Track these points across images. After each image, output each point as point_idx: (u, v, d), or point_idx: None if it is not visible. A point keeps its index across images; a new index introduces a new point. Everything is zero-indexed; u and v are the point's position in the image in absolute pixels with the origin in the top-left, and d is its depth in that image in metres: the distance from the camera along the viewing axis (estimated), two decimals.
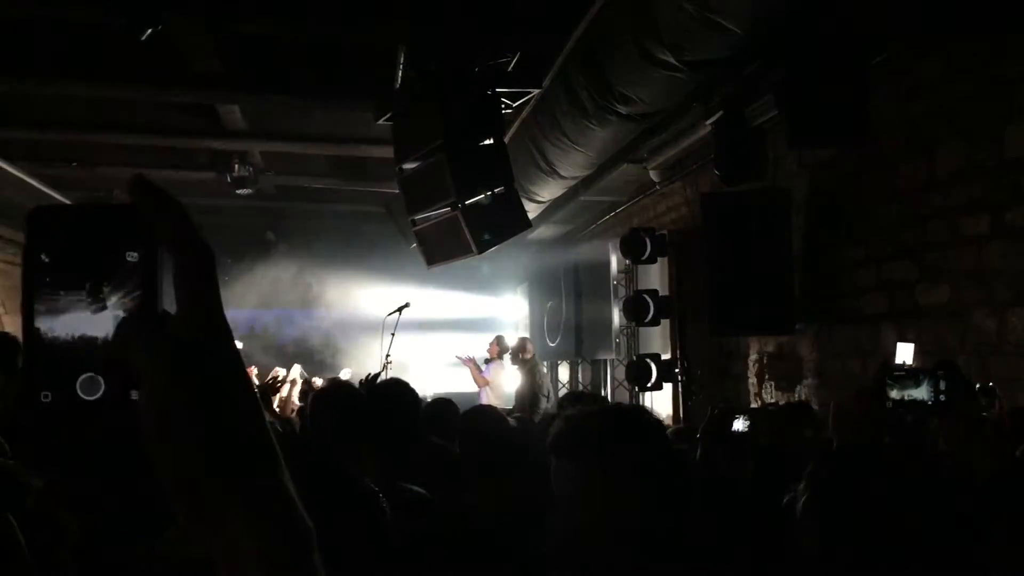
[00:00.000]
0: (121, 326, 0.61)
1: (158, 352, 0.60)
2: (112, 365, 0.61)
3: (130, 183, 0.63)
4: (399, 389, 3.63)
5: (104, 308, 0.61)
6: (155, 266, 0.62)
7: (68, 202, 10.11)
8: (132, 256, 0.62)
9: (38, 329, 0.61)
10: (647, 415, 1.79)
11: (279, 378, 7.78)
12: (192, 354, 0.61)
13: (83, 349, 0.61)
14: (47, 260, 0.61)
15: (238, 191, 9.78)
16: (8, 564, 1.62)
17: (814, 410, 4.37)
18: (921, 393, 2.27)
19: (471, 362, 10.78)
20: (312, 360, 11.79)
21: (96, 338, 0.61)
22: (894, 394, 2.31)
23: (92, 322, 0.61)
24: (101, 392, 0.61)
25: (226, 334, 0.63)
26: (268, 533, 0.61)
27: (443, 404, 4.47)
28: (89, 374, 0.61)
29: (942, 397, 2.21)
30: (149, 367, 0.60)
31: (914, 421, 2.32)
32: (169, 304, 0.63)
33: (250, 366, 9.24)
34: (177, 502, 0.60)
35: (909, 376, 2.29)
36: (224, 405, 0.62)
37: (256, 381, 8.79)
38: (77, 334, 0.61)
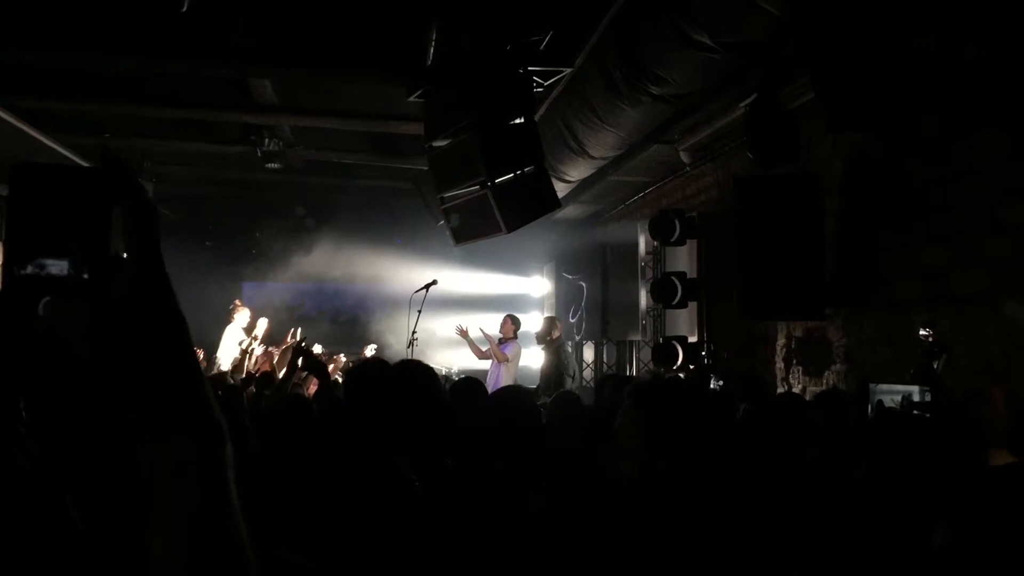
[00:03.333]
0: (49, 302, 0.74)
1: (82, 323, 0.74)
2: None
3: (98, 152, 0.81)
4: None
5: (67, 250, 0.73)
6: (109, 218, 0.75)
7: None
8: (93, 209, 0.75)
9: (11, 265, 0.73)
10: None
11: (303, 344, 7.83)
12: (116, 312, 0.75)
13: (46, 282, 0.73)
14: (26, 208, 0.74)
15: (267, 165, 9.81)
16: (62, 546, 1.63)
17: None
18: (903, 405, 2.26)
19: (467, 335, 10.73)
20: (337, 335, 11.85)
21: (57, 275, 0.73)
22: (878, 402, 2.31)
23: (56, 261, 0.73)
24: None
25: (161, 272, 0.77)
26: (183, 422, 0.75)
27: (471, 383, 4.49)
28: (48, 298, 0.74)
29: (926, 414, 2.19)
30: (77, 334, 0.74)
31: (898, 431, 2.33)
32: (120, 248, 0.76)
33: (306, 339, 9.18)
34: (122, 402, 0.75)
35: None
36: (158, 335, 0.76)
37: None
38: (42, 270, 0.73)
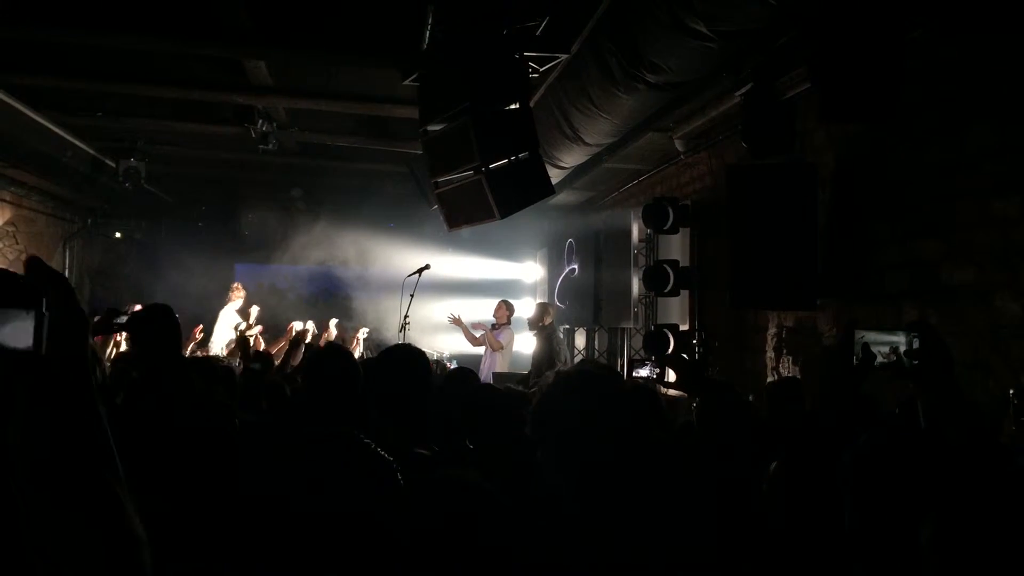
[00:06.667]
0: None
1: (23, 390, 0.86)
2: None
3: (26, 264, 0.93)
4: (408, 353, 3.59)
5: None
6: (43, 321, 0.89)
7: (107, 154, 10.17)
8: (29, 313, 0.89)
9: None
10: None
11: (307, 332, 7.84)
12: (49, 391, 0.87)
13: None
14: None
15: (261, 146, 9.78)
16: None
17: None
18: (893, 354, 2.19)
19: (460, 322, 10.80)
20: (328, 318, 11.84)
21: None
22: (864, 344, 2.22)
23: None
24: None
25: (83, 371, 0.91)
26: (102, 535, 0.84)
27: (464, 373, 4.51)
28: None
29: (915, 361, 2.15)
30: (18, 400, 0.86)
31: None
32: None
33: (290, 324, 9.17)
34: (27, 498, 0.84)
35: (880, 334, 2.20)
36: (73, 424, 0.88)
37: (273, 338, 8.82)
38: None
